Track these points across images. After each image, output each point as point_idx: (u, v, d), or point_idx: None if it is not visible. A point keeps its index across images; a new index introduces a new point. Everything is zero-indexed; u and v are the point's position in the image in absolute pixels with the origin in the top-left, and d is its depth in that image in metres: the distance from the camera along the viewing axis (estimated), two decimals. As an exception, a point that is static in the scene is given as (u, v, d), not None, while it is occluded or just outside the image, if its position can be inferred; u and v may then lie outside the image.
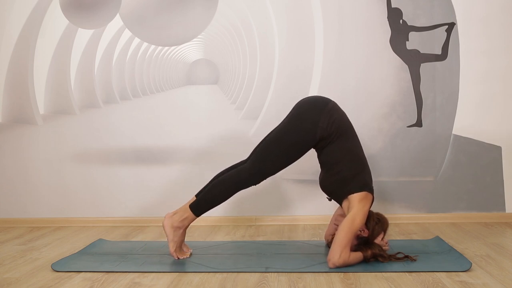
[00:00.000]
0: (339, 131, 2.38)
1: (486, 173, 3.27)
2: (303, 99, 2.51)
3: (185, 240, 2.70)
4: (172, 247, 2.42)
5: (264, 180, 2.46)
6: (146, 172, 3.38)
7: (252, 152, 2.49)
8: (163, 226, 2.44)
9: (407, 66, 3.27)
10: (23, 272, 2.30)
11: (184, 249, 2.51)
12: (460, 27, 3.25)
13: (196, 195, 2.49)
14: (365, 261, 2.29)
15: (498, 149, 3.26)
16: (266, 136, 2.48)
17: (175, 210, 2.48)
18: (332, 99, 2.49)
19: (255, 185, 2.45)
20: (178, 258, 2.44)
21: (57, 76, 3.45)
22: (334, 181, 2.40)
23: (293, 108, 2.48)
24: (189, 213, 2.43)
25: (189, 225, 2.46)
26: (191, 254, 2.51)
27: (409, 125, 3.28)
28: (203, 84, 3.42)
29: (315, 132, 2.37)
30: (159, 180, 3.37)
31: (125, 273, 2.25)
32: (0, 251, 2.72)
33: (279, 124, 2.48)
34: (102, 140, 3.40)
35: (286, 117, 2.48)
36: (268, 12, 3.32)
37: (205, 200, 2.44)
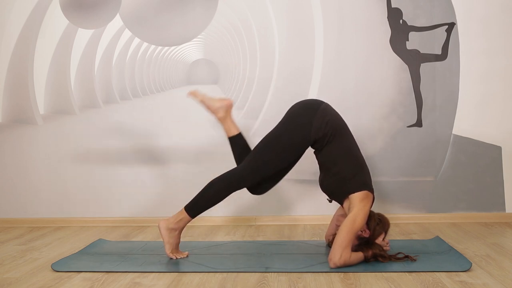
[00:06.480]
0: (334, 131, 2.37)
1: (486, 173, 3.27)
2: (296, 103, 2.51)
3: (185, 240, 2.71)
4: (168, 249, 2.44)
5: (259, 185, 2.46)
6: (146, 172, 3.38)
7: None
8: (158, 228, 2.45)
9: (407, 66, 3.27)
10: (23, 272, 2.30)
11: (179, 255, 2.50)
12: (460, 27, 3.25)
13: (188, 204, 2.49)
14: (365, 261, 2.29)
15: (498, 149, 3.26)
16: (262, 139, 2.48)
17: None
18: (330, 100, 2.49)
19: (249, 187, 2.46)
20: (176, 258, 2.44)
21: (57, 76, 3.45)
22: (334, 181, 2.40)
23: (287, 112, 2.48)
24: (184, 214, 2.43)
25: (184, 227, 2.46)
26: (187, 255, 2.51)
27: (409, 125, 3.28)
28: (203, 84, 3.42)
29: (309, 133, 2.37)
30: (159, 180, 3.37)
31: (125, 273, 2.25)
32: (0, 251, 2.72)
33: (274, 127, 2.47)
34: (102, 140, 3.40)
35: (281, 120, 2.48)
36: (268, 12, 3.32)
37: (199, 201, 2.44)
